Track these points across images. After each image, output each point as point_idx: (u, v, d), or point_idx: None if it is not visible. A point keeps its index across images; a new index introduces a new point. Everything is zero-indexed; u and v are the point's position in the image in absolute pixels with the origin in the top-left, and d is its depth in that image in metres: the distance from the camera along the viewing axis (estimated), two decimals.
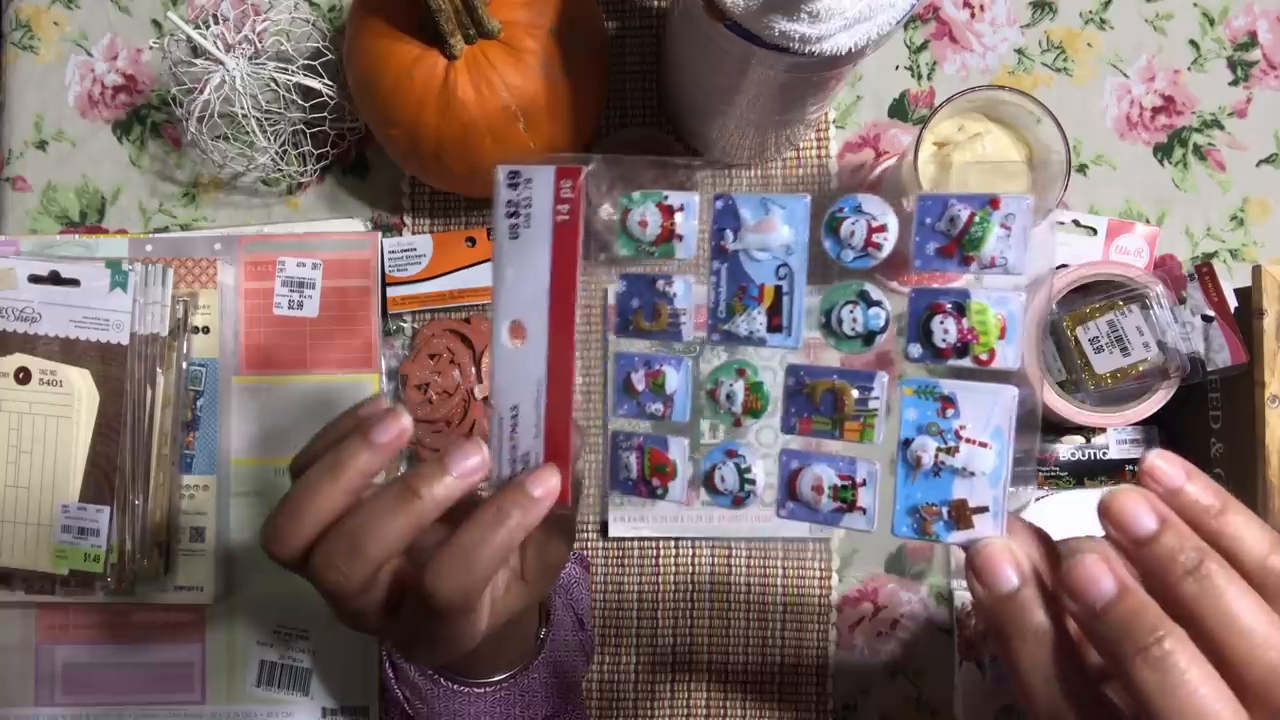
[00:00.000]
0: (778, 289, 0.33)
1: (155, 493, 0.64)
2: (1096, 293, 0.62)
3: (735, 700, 0.67)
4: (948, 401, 0.31)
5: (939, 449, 0.31)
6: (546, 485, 0.34)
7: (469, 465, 0.34)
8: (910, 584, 0.67)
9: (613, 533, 0.67)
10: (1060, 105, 0.59)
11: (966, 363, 0.31)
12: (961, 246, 0.31)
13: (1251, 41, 0.69)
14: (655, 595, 0.67)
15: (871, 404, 0.32)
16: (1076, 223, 0.67)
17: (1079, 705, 0.28)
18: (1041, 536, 0.31)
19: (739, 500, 0.35)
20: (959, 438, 0.31)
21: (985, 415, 0.30)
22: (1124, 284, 0.61)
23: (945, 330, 0.31)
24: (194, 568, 0.66)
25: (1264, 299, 0.58)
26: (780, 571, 0.67)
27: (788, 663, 0.67)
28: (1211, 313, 0.60)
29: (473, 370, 0.66)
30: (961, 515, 0.31)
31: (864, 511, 0.32)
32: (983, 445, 0.30)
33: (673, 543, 0.67)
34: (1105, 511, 0.29)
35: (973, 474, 0.30)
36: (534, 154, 0.60)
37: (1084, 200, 0.69)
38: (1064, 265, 0.62)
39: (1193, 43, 0.70)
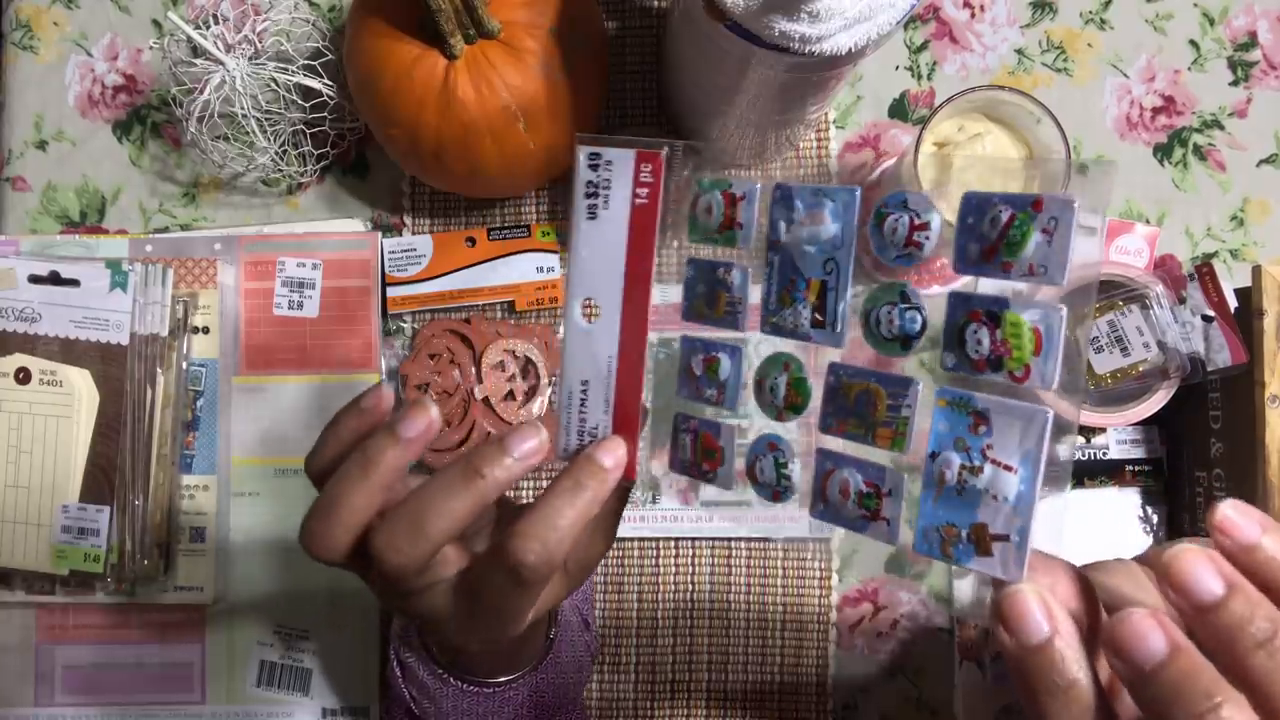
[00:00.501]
0: (823, 284, 0.32)
1: (155, 493, 0.64)
2: (1097, 293, 0.62)
3: (735, 700, 0.67)
4: (980, 417, 0.29)
5: (963, 466, 0.29)
6: (615, 455, 0.35)
7: (528, 448, 0.34)
8: (910, 584, 0.67)
9: None
10: (1060, 105, 0.59)
11: (1000, 378, 0.28)
12: (1000, 251, 0.28)
13: (1251, 41, 0.69)
14: (655, 595, 0.67)
15: (904, 411, 0.30)
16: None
17: None
18: (1075, 575, 0.29)
19: (777, 495, 0.34)
20: (985, 457, 0.29)
21: (1016, 437, 0.28)
22: (1124, 284, 0.61)
23: (979, 341, 0.29)
24: (194, 568, 0.66)
25: (1264, 299, 0.58)
26: (780, 572, 0.67)
27: (788, 663, 0.67)
28: (1211, 313, 0.60)
29: (473, 370, 0.66)
30: (982, 541, 0.28)
31: (887, 523, 0.31)
32: (1008, 469, 0.28)
33: (673, 543, 0.67)
34: (1166, 574, 0.26)
35: (996, 498, 0.28)
36: (534, 154, 0.60)
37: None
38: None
39: (1193, 43, 0.70)
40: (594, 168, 0.34)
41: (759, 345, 0.35)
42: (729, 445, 0.35)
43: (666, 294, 0.63)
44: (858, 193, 0.31)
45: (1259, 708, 0.24)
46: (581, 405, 0.35)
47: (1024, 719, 0.66)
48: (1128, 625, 0.25)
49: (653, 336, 0.35)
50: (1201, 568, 0.25)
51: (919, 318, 0.30)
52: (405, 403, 0.35)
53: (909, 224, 0.30)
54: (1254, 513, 0.26)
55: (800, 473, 0.34)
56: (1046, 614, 0.27)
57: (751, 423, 0.35)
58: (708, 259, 0.35)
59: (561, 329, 0.36)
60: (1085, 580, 0.29)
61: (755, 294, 0.34)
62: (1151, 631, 0.25)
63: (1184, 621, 0.26)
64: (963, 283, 0.63)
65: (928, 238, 0.30)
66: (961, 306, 0.29)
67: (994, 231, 0.28)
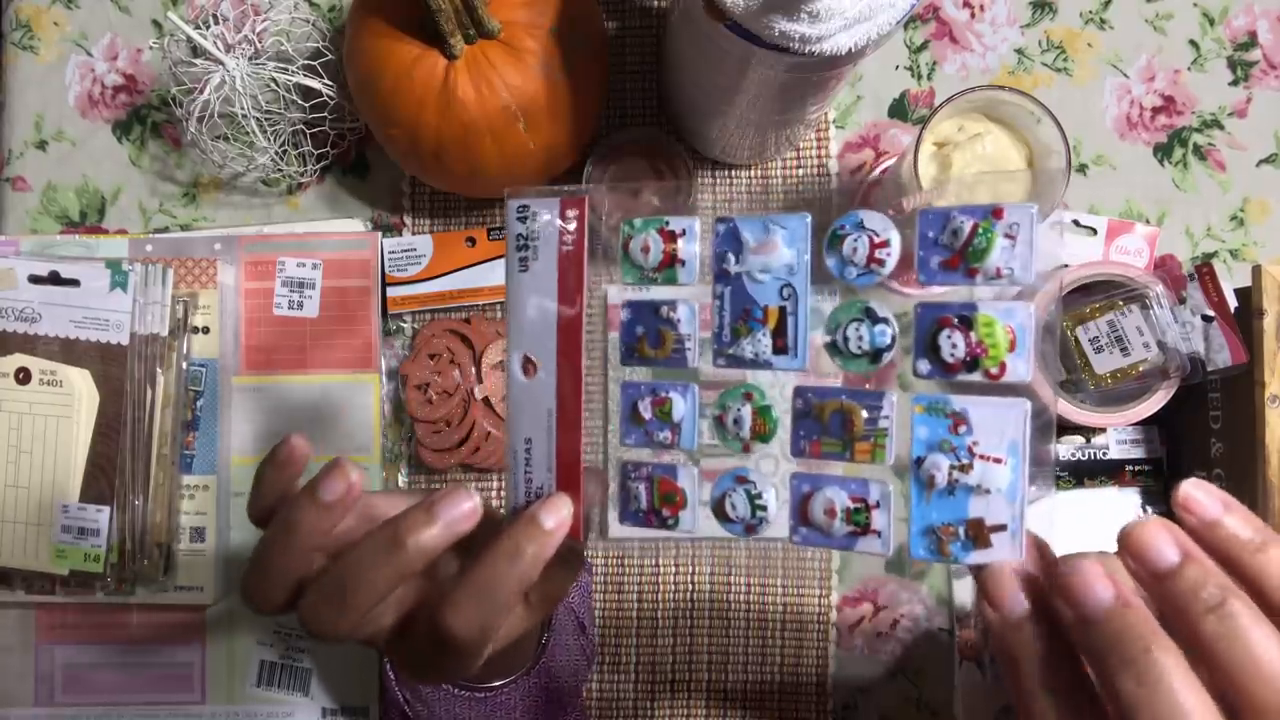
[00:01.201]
0: (782, 310, 0.32)
1: (155, 493, 0.64)
2: (1096, 293, 0.62)
3: (735, 700, 0.67)
4: (959, 418, 0.30)
5: (952, 466, 0.30)
6: (559, 516, 0.33)
7: (457, 514, 0.33)
8: (910, 584, 0.67)
9: (612, 534, 0.67)
10: (1060, 105, 0.59)
11: (977, 377, 0.30)
12: (965, 259, 0.30)
13: (1251, 41, 0.69)
14: (655, 596, 0.68)
15: (881, 423, 0.31)
16: (1076, 223, 0.67)
17: None
18: (1046, 553, 0.30)
19: (751, 528, 0.34)
20: (972, 454, 0.30)
21: (999, 430, 0.30)
22: (1124, 284, 0.61)
23: (954, 345, 0.30)
24: (194, 568, 0.66)
25: (1264, 299, 0.58)
26: (780, 572, 0.67)
27: (788, 663, 0.67)
28: (1211, 313, 0.60)
29: (473, 370, 0.66)
30: (979, 534, 0.30)
31: (878, 535, 0.31)
32: (997, 461, 0.30)
33: (673, 544, 0.67)
34: (1124, 542, 0.27)
35: (988, 491, 0.30)
36: (534, 154, 0.60)
37: (1084, 200, 0.69)
38: (1064, 265, 0.62)
39: (1193, 43, 0.70)
40: (522, 219, 0.34)
41: (709, 379, 0.35)
42: (691, 486, 0.34)
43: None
44: (809, 219, 0.32)
45: (1209, 669, 0.25)
46: (526, 464, 0.35)
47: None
48: (1078, 574, 0.27)
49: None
50: (1159, 537, 0.27)
51: (888, 331, 0.31)
52: (335, 461, 0.34)
53: (869, 243, 0.31)
54: (1216, 492, 0.28)
55: (775, 502, 0.34)
56: (1028, 590, 0.28)
57: (704, 463, 0.35)
58: (645, 299, 0.35)
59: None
60: (1048, 550, 0.30)
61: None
62: (1099, 581, 0.27)
63: (1144, 590, 0.27)
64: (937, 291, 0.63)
65: (889, 254, 0.31)
66: (931, 314, 0.31)
67: (957, 241, 0.30)
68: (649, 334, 0.34)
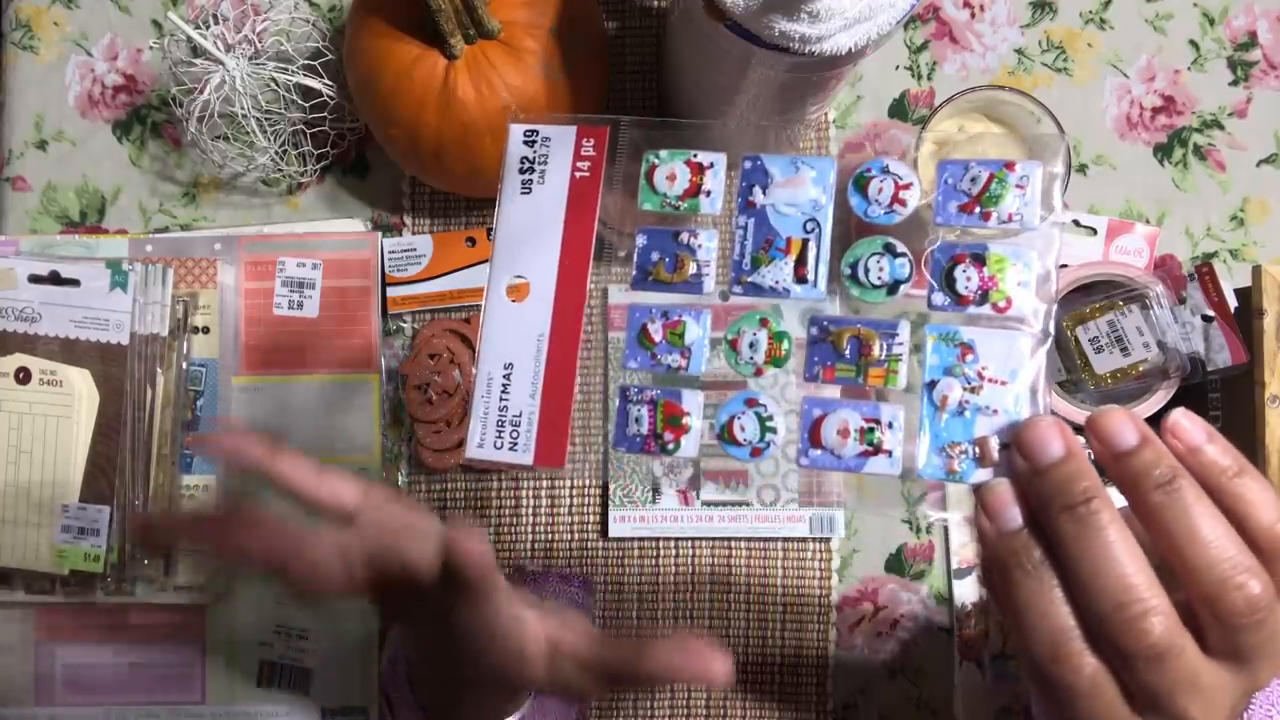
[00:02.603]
0: (804, 242, 0.34)
1: (155, 493, 0.64)
2: (1096, 293, 0.62)
3: (735, 700, 0.67)
4: (966, 348, 0.33)
5: (964, 388, 0.32)
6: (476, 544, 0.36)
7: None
8: (910, 584, 0.67)
9: (613, 533, 0.67)
10: (1060, 105, 0.59)
11: (986, 310, 0.33)
12: (981, 203, 0.33)
13: (1251, 41, 0.69)
14: (655, 596, 0.67)
15: (895, 349, 0.33)
16: (1076, 223, 0.67)
17: (1072, 640, 0.29)
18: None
19: (757, 451, 0.34)
20: (981, 378, 0.32)
21: (1002, 358, 0.32)
22: (1124, 284, 0.61)
23: (968, 278, 0.33)
24: (194, 568, 0.66)
25: (1264, 299, 0.58)
26: (780, 572, 0.67)
27: (788, 663, 0.67)
28: (1211, 313, 0.60)
29: (473, 370, 0.66)
30: (985, 453, 0.32)
31: (889, 454, 0.33)
32: (1002, 383, 0.32)
33: (672, 543, 0.67)
34: (1091, 425, 0.30)
35: (995, 411, 0.32)
36: None
37: (1084, 200, 0.69)
38: (1064, 265, 0.62)
39: (1193, 43, 0.70)
40: (530, 144, 0.35)
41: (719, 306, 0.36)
42: (696, 411, 0.35)
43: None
44: (835, 162, 0.35)
45: (1153, 537, 0.29)
46: (503, 391, 0.35)
47: (1023, 718, 0.66)
48: (1036, 429, 0.30)
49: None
50: (1122, 423, 0.30)
51: (907, 264, 0.34)
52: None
53: (894, 185, 0.34)
54: (1201, 422, 0.30)
55: (784, 425, 0.35)
56: (1022, 505, 0.30)
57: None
58: (661, 226, 0.36)
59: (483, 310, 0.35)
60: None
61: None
62: (1052, 436, 0.30)
63: (1106, 472, 0.30)
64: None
65: (910, 195, 0.34)
66: (948, 251, 0.34)
67: (975, 188, 0.33)
68: (666, 259, 0.35)
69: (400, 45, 0.57)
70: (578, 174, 0.35)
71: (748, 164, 0.35)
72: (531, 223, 0.34)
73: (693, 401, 0.35)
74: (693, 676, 0.36)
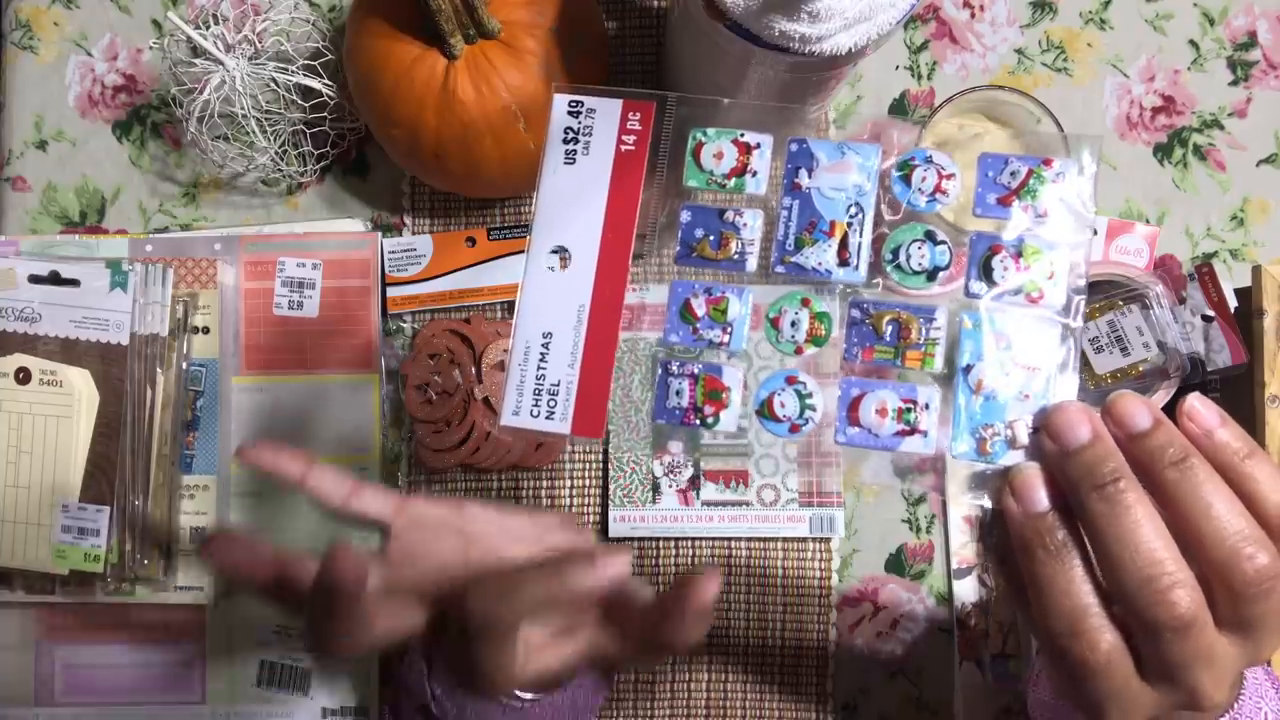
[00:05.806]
0: (848, 225, 0.35)
1: (155, 493, 0.64)
2: (1096, 293, 0.62)
3: (735, 700, 0.67)
4: (1000, 336, 0.34)
5: (997, 374, 0.33)
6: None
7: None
8: (910, 584, 0.67)
9: (613, 533, 0.67)
10: (1060, 105, 0.59)
11: (1020, 300, 0.34)
12: (1019, 197, 0.35)
13: (1251, 41, 0.69)
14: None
15: (933, 333, 0.34)
16: None
17: (1091, 616, 0.30)
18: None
19: (796, 427, 0.35)
20: (1014, 364, 0.33)
21: (1034, 345, 0.34)
22: (1124, 284, 0.61)
23: (1005, 268, 0.34)
24: (194, 568, 0.66)
25: (1264, 299, 0.58)
26: (780, 571, 0.67)
27: (788, 663, 0.67)
28: (1211, 313, 0.60)
29: (473, 370, 0.66)
30: (1016, 435, 0.33)
31: (924, 434, 0.34)
32: (1034, 370, 0.33)
33: (673, 543, 0.67)
34: (1108, 408, 0.31)
35: (1028, 396, 0.33)
36: (534, 154, 0.60)
37: None
38: None
39: (1193, 43, 0.70)
40: (575, 114, 0.36)
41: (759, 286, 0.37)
42: (736, 386, 0.36)
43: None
44: (879, 149, 0.36)
45: (1169, 513, 0.30)
46: (541, 360, 0.35)
47: (1023, 718, 0.67)
48: (1064, 413, 0.31)
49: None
50: (1137, 405, 0.31)
51: (949, 251, 0.35)
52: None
53: (937, 175, 0.35)
54: (1215, 407, 0.31)
55: (823, 403, 0.35)
56: (1049, 488, 0.32)
57: (750, 363, 0.36)
58: (708, 204, 0.36)
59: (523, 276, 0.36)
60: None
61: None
62: (1080, 420, 0.31)
63: (1122, 449, 0.31)
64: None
65: (954, 185, 0.35)
66: (986, 241, 0.35)
67: (1014, 181, 0.35)
68: (711, 236, 0.36)
69: (400, 45, 0.57)
70: (624, 148, 0.35)
71: (794, 146, 0.36)
72: (575, 193, 0.35)
73: (733, 376, 0.35)
74: (697, 604, 0.39)
